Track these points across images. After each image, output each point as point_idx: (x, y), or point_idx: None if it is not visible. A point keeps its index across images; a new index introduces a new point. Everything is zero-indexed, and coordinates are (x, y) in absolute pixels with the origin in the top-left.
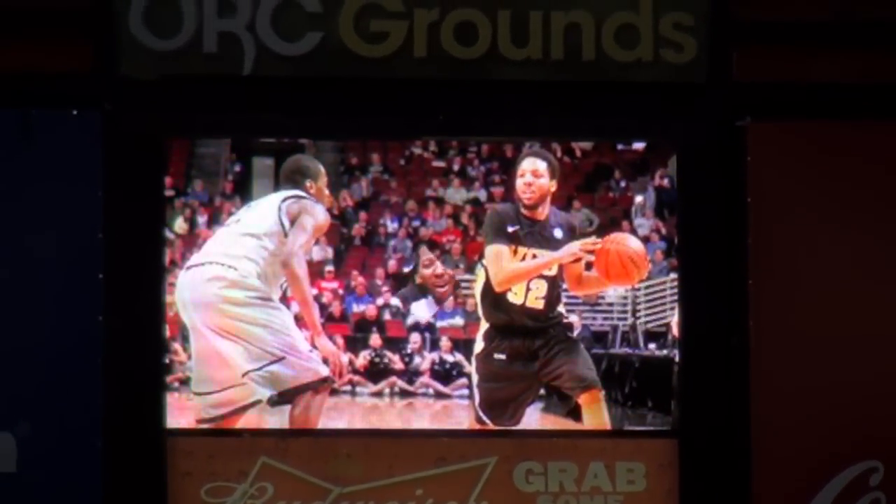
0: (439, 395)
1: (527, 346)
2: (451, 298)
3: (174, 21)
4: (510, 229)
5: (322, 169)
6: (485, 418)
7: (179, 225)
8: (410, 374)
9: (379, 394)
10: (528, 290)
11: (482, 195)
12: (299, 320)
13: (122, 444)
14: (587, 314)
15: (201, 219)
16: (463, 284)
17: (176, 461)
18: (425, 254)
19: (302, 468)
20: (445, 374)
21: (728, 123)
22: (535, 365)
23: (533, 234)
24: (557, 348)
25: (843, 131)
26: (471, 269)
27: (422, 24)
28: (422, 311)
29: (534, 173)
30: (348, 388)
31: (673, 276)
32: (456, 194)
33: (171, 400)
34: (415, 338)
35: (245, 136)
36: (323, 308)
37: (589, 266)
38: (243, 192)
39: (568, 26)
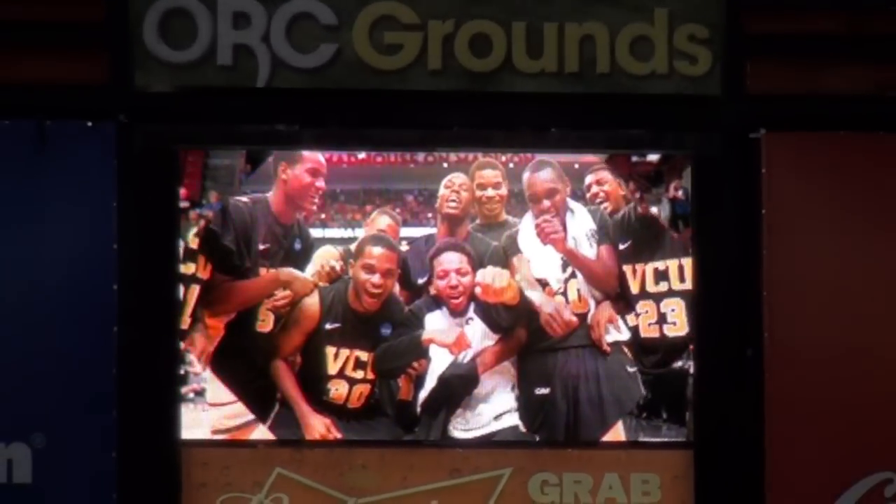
0: None
1: None
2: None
3: (189, 33)
4: None
5: None
6: None
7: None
8: None
9: None
10: None
11: None
12: None
13: (137, 455)
14: None
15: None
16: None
17: (191, 472)
18: (439, 265)
19: (317, 479)
20: None
21: (742, 135)
22: None
23: None
24: None
25: (857, 143)
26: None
27: (436, 35)
28: (436, 322)
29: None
30: None
31: None
32: None
33: (186, 411)
34: None
35: (259, 148)
36: None
37: None
38: None
39: (582, 38)
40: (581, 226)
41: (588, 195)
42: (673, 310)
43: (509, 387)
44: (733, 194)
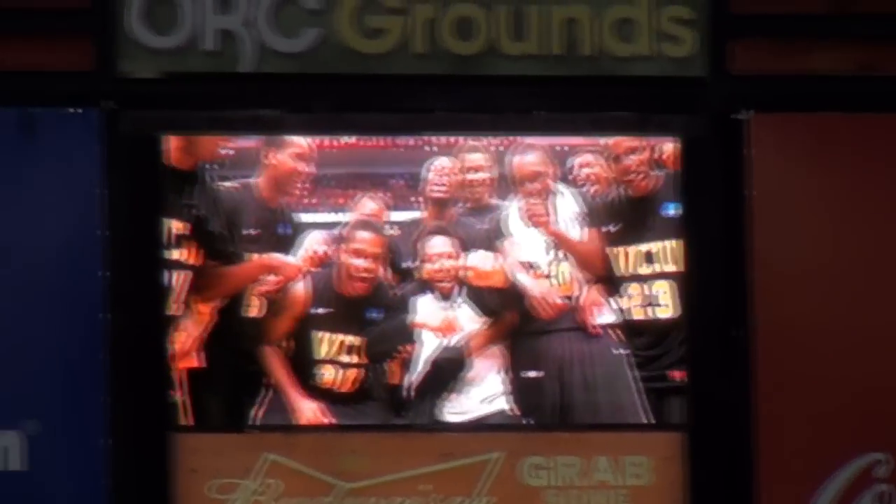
0: None
1: None
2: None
3: (173, 18)
4: None
5: None
6: None
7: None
8: None
9: None
10: None
11: None
12: None
13: (128, 441)
14: None
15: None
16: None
17: (182, 458)
18: (427, 249)
19: (308, 464)
20: None
21: (728, 116)
22: None
23: None
24: None
25: (844, 124)
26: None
27: (420, 19)
28: (425, 306)
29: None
30: None
31: None
32: None
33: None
34: None
35: (244, 133)
36: None
37: None
38: None
39: (567, 20)
40: (568, 208)
41: (574, 178)
42: (662, 292)
43: (499, 370)
44: (720, 176)
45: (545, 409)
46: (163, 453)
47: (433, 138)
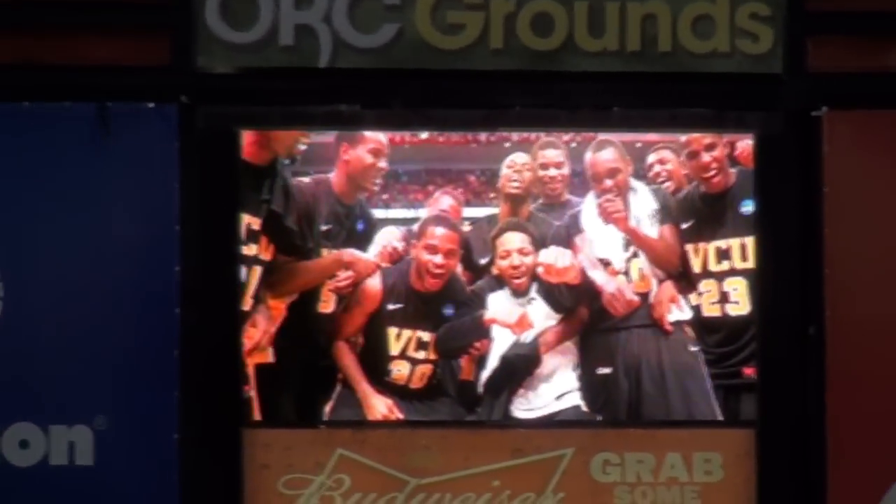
0: None
1: None
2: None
3: (251, 14)
4: None
5: None
6: None
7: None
8: None
9: None
10: None
11: None
12: None
13: (199, 436)
14: None
15: None
16: None
17: (253, 454)
18: (502, 245)
19: (378, 460)
20: None
21: (804, 113)
22: None
23: None
24: None
25: None
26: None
27: (498, 15)
28: (499, 302)
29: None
30: None
31: None
32: None
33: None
34: None
35: (320, 128)
36: None
37: None
38: None
39: (644, 17)
40: (643, 205)
41: (650, 174)
42: (735, 289)
43: (571, 366)
44: (795, 173)
45: (617, 406)
46: (234, 449)
47: (509, 134)
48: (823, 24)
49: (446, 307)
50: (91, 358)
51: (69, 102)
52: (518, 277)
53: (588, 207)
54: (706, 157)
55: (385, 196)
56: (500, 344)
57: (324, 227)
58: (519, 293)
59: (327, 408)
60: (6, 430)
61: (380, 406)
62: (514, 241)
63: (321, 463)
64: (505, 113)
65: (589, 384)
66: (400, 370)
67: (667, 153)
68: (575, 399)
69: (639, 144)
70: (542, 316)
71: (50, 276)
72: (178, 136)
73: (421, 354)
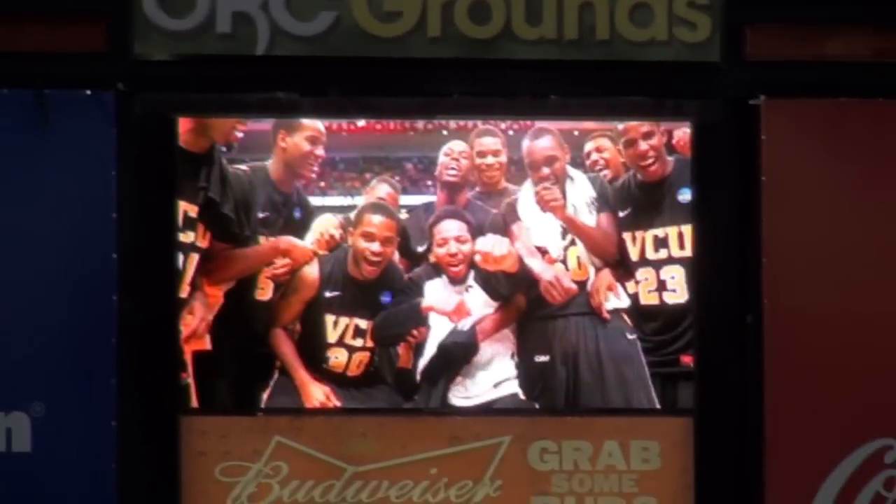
0: None
1: None
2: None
3: (188, 1)
4: None
5: None
6: None
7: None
8: None
9: None
10: None
11: None
12: None
13: (136, 423)
14: None
15: None
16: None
17: (190, 441)
18: (439, 233)
19: (316, 447)
20: None
21: (742, 102)
22: None
23: None
24: None
25: (856, 109)
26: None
27: (436, 2)
28: (436, 290)
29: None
30: None
31: None
32: None
33: None
34: None
35: (258, 116)
36: None
37: None
38: None
39: (582, 5)
40: (581, 193)
41: (588, 162)
42: (673, 277)
43: (509, 354)
44: (733, 161)
45: (554, 394)
46: (171, 436)
47: (447, 122)
48: (761, 12)
49: (384, 295)
50: (28, 345)
51: (6, 90)
52: (455, 265)
53: (525, 195)
54: (644, 146)
55: (322, 184)
56: (438, 332)
57: (261, 215)
58: (456, 281)
59: (265, 395)
60: None
61: (317, 393)
62: (451, 228)
63: (258, 450)
64: (442, 101)
65: (526, 372)
66: (337, 358)
67: (604, 141)
68: (512, 387)
69: (576, 132)
70: (479, 304)
71: None
72: (116, 124)
73: (358, 342)
